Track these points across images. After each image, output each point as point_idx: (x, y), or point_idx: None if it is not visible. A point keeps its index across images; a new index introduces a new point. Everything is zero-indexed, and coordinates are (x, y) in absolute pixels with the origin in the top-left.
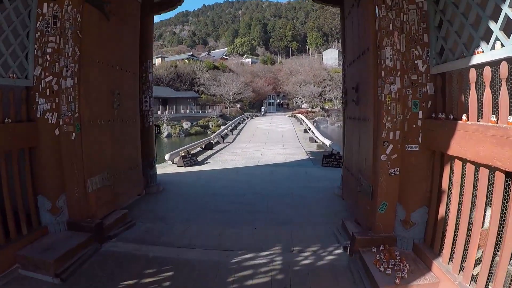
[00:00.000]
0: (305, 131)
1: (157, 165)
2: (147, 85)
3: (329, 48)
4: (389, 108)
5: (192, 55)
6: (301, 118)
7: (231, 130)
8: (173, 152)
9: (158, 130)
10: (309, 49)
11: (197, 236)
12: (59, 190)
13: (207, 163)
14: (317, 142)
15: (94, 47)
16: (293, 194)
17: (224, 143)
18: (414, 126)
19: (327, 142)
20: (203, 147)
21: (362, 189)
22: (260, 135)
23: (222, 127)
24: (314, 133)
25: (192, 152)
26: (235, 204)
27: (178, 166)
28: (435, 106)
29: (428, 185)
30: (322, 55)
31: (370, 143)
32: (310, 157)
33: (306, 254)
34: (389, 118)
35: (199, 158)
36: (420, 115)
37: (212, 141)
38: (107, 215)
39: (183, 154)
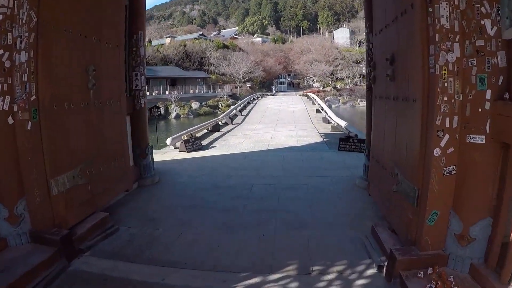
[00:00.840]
0: (318, 111)
1: (157, 150)
2: (137, 61)
3: (340, 27)
4: (445, 84)
5: (202, 35)
6: (313, 98)
7: (240, 111)
8: (175, 136)
9: (159, 112)
10: (320, 28)
11: (190, 247)
12: (17, 194)
13: (212, 147)
14: (331, 123)
15: (60, 12)
16: (308, 186)
17: (232, 124)
18: (480, 110)
19: (342, 123)
20: (210, 129)
21: (400, 190)
22: (270, 115)
23: (231, 107)
24: (327, 113)
25: (197, 135)
26: (241, 199)
27: (180, 151)
28: (509, 83)
29: (494, 190)
30: (333, 34)
31: (416, 131)
32: (325, 139)
33: (329, 277)
34: (445, 99)
35: (205, 142)
36: (488, 95)
37: (219, 123)
38: (82, 221)
39: (185, 138)
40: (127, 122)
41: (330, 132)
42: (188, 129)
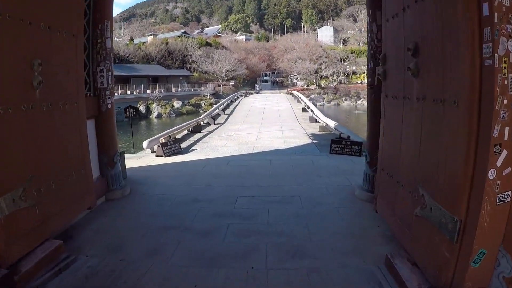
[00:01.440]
0: (304, 110)
1: (132, 155)
2: (103, 55)
3: (324, 25)
4: (506, 82)
5: (185, 32)
6: (299, 96)
7: (223, 110)
8: (153, 138)
9: (134, 113)
10: (303, 27)
11: None
12: None
13: (193, 150)
14: (319, 122)
15: None
16: (302, 197)
17: (215, 124)
18: None
19: (331, 123)
20: (190, 130)
21: (428, 216)
22: (255, 114)
23: (214, 106)
24: (314, 112)
25: (176, 137)
26: (223, 218)
27: (157, 155)
28: None
29: None
30: (317, 33)
31: (459, 144)
32: (314, 141)
33: None
34: (505, 102)
35: (185, 144)
36: None
37: (201, 123)
38: (29, 253)
39: (163, 141)
40: (89, 127)
41: (318, 132)
42: (167, 131)
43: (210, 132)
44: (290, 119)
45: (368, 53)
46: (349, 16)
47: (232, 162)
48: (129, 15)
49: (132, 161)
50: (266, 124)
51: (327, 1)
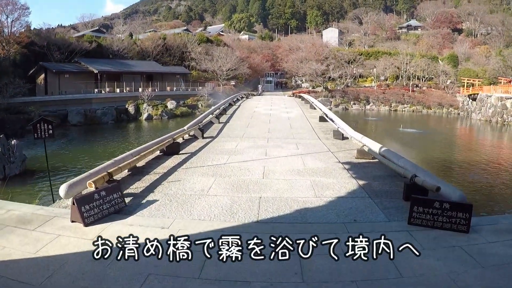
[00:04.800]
0: (322, 119)
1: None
2: None
3: (329, 27)
4: None
5: (187, 30)
6: (311, 100)
7: (218, 116)
8: (77, 179)
9: (50, 132)
10: (308, 28)
11: None
12: None
13: (145, 205)
14: (346, 138)
15: None
16: None
17: (203, 138)
18: None
19: (374, 147)
20: (165, 150)
21: None
22: (258, 124)
23: (206, 112)
24: (338, 124)
25: (138, 164)
26: None
27: (72, 221)
28: None
29: None
30: (322, 34)
31: None
32: (359, 182)
33: None
34: None
35: (138, 187)
36: None
37: (183, 137)
38: None
39: (92, 187)
40: None
41: (357, 160)
42: (123, 155)
43: (192, 156)
44: (306, 131)
45: None
46: (355, 19)
47: (213, 269)
48: (132, 12)
49: (16, 240)
50: (275, 141)
51: (333, 2)
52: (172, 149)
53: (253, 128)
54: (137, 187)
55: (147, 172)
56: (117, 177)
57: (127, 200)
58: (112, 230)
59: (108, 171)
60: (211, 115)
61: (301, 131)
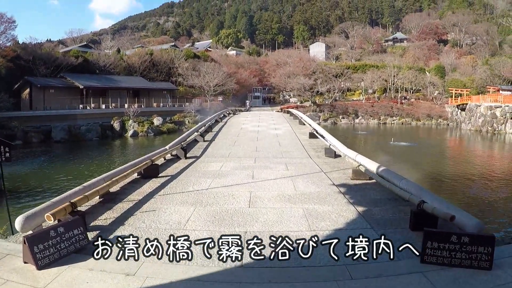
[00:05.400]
0: (312, 136)
1: None
2: None
3: (316, 41)
4: None
5: (175, 46)
6: (299, 116)
7: (203, 134)
8: (36, 210)
9: (7, 154)
10: (295, 43)
11: None
12: None
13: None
14: (339, 156)
15: None
16: None
17: (185, 158)
18: None
19: (371, 166)
20: (142, 173)
21: None
22: (245, 142)
23: (190, 130)
24: (329, 141)
25: (111, 189)
26: None
27: (25, 262)
28: None
29: None
30: (309, 49)
31: None
32: (357, 208)
33: None
34: None
35: (110, 215)
36: None
37: (164, 157)
38: None
39: (37, 230)
40: None
41: (352, 182)
42: (91, 181)
43: (172, 180)
44: (295, 150)
45: None
46: (341, 33)
47: None
48: (120, 27)
49: None
50: (263, 160)
51: (319, 17)
52: (151, 171)
53: (240, 146)
54: (107, 217)
55: (120, 200)
56: (87, 204)
57: (92, 235)
58: (68, 276)
59: (71, 201)
60: (196, 133)
61: (290, 149)
